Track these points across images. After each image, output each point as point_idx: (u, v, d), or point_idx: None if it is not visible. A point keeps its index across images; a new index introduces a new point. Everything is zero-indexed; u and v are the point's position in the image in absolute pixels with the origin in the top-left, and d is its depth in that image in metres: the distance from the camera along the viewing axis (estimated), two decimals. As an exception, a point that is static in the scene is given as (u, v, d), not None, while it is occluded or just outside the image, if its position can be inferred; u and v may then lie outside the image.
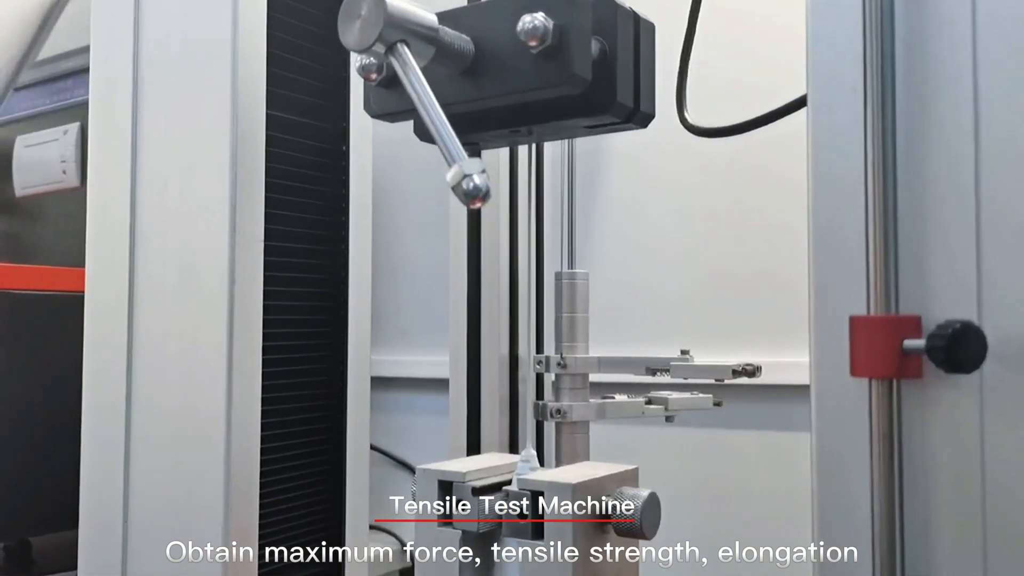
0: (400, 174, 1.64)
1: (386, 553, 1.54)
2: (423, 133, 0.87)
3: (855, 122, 0.59)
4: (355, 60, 0.79)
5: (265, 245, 0.96)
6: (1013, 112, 0.55)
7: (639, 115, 0.82)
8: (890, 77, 0.57)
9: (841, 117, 0.60)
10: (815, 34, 0.61)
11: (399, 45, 0.69)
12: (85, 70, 1.04)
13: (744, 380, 1.03)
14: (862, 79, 0.58)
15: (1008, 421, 0.54)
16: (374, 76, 0.78)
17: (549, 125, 0.83)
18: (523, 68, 0.73)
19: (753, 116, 0.96)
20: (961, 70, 0.56)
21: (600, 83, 0.76)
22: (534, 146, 1.24)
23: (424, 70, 0.70)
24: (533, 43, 0.71)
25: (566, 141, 1.14)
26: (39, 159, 1.60)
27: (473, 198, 0.66)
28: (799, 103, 0.89)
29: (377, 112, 0.83)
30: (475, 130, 0.83)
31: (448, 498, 0.80)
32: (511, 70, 0.73)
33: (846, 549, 0.59)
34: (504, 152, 1.21)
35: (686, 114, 1.00)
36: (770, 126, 1.25)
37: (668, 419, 1.11)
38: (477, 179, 0.65)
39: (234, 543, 0.90)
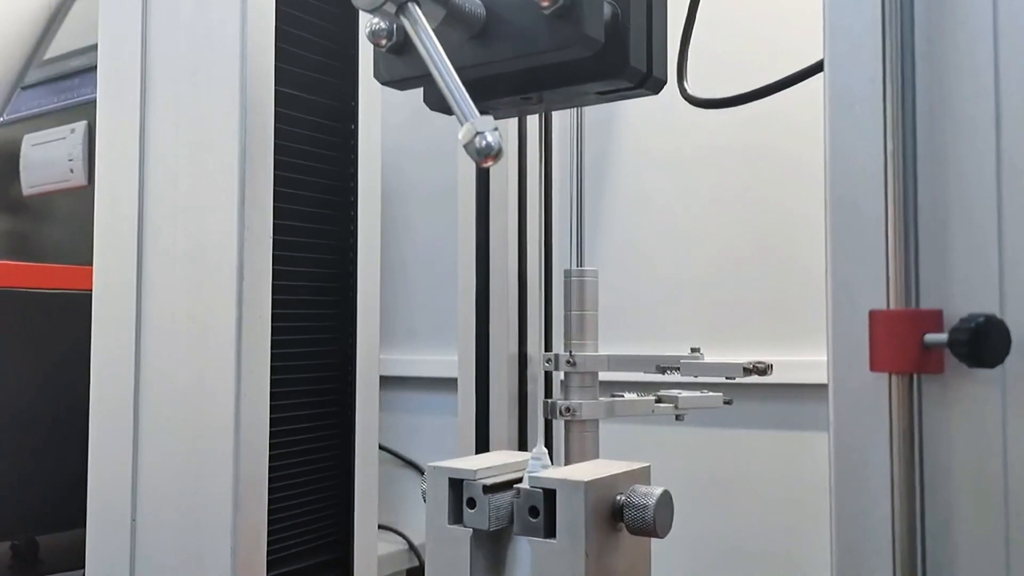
0: (410, 174, 1.63)
1: (394, 552, 1.53)
2: (433, 101, 0.86)
3: (874, 114, 0.58)
4: (364, 26, 0.79)
5: (274, 241, 0.95)
6: (1035, 103, 0.54)
7: (651, 80, 0.81)
8: (910, 68, 0.56)
9: (860, 109, 0.59)
10: (833, 25, 0.60)
11: (410, 4, 0.68)
12: (92, 68, 1.04)
13: (755, 379, 1.02)
14: (881, 70, 0.57)
15: (1031, 416, 0.53)
16: (383, 42, 0.78)
17: (560, 91, 0.82)
18: (535, 30, 0.72)
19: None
20: (981, 60, 0.55)
21: (612, 46, 0.76)
22: (543, 143, 1.23)
23: (435, 33, 0.69)
24: (545, 4, 0.70)
25: (576, 137, 1.13)
26: (46, 158, 1.60)
27: (485, 156, 0.65)
28: (798, 77, 0.89)
29: (387, 79, 0.82)
30: (486, 97, 0.82)
31: (459, 496, 0.79)
32: (523, 32, 0.73)
33: (865, 548, 0.58)
34: (513, 151, 1.20)
35: (686, 85, 0.99)
36: (787, 115, 1.25)
37: (678, 417, 1.10)
38: (489, 137, 0.65)
39: (242, 542, 0.89)
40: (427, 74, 0.70)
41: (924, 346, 0.53)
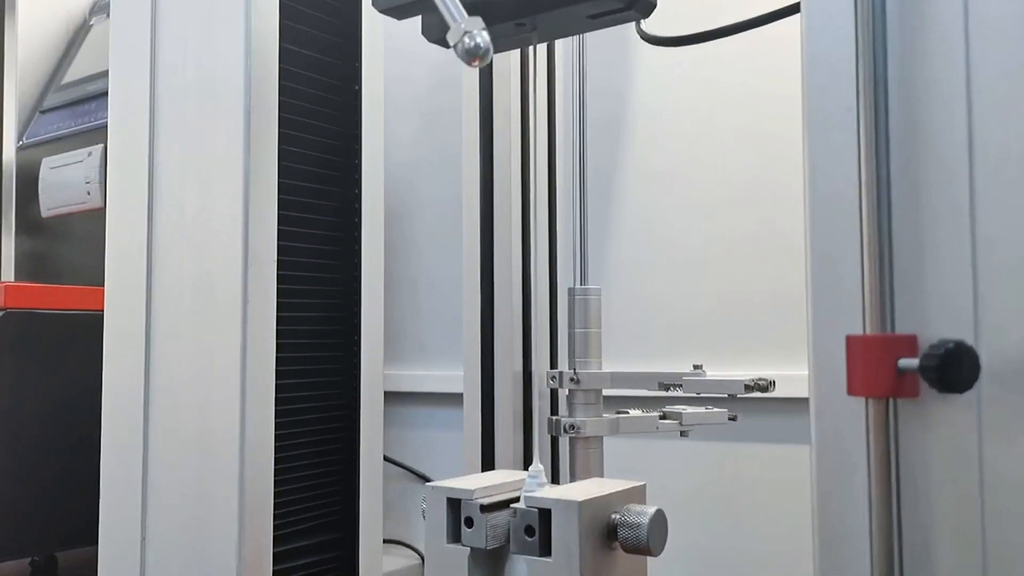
0: (421, 189, 1.65)
1: (406, 567, 1.55)
2: (430, 31, 0.88)
3: (850, 142, 0.59)
4: None
5: (278, 262, 0.98)
6: (1006, 132, 0.55)
7: (641, 2, 0.82)
8: (883, 98, 0.58)
9: (837, 137, 0.60)
10: (811, 56, 0.62)
11: None
12: (108, 94, 1.07)
13: (757, 394, 1.03)
14: (855, 99, 0.58)
15: (1005, 439, 0.54)
16: None
17: (553, 15, 0.83)
18: None
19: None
20: (955, 91, 0.57)
21: None
22: (548, 161, 1.24)
23: None
24: None
25: (579, 155, 1.15)
26: (64, 180, 1.63)
27: (474, 56, 0.67)
28: (765, 19, 0.89)
29: (384, 6, 0.84)
30: None
31: (457, 515, 0.81)
32: None
33: (846, 567, 0.59)
34: (517, 169, 1.22)
35: (642, 24, 1.00)
36: (788, 126, 1.25)
37: (683, 433, 1.11)
38: (478, 37, 0.66)
39: (248, 558, 0.91)
40: None
41: (898, 371, 0.54)
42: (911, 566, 0.56)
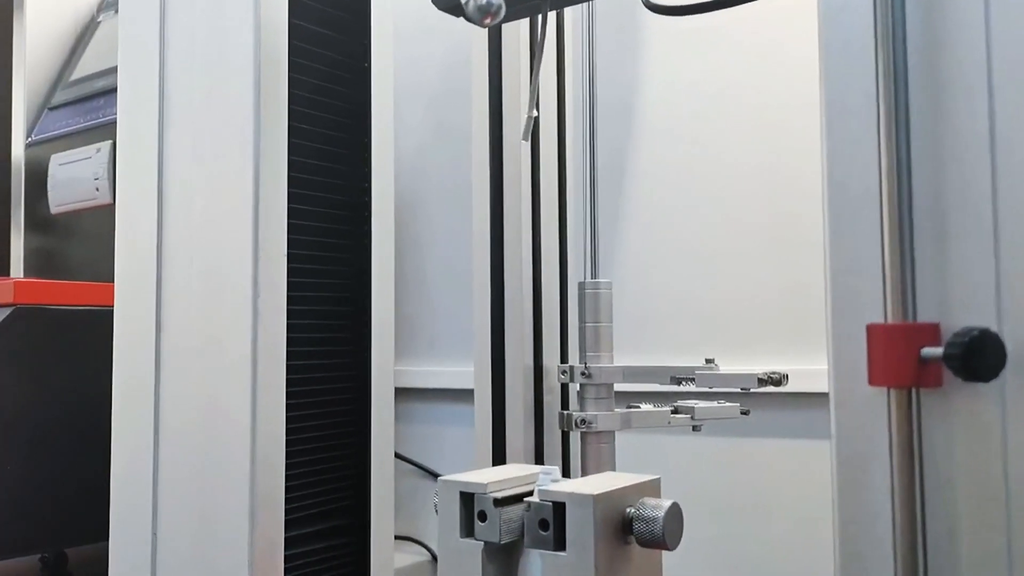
0: (431, 184, 1.65)
1: (417, 563, 1.54)
2: (442, 1, 0.87)
3: (870, 130, 0.58)
4: None
5: (288, 255, 0.97)
6: (1029, 116, 0.54)
7: None
8: (903, 84, 0.57)
9: (856, 125, 0.59)
10: (829, 43, 0.61)
11: None
12: (116, 90, 1.07)
13: (771, 388, 1.02)
14: (875, 86, 0.57)
15: (1031, 429, 0.53)
16: None
17: None
18: None
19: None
20: (975, 76, 0.56)
21: None
22: (555, 134, 1.23)
23: None
24: None
25: (588, 149, 1.14)
26: (73, 177, 1.63)
27: (485, 14, 0.67)
28: None
29: None
30: None
31: (470, 509, 0.80)
32: None
33: (868, 558, 0.58)
34: (527, 164, 1.21)
35: None
36: (802, 118, 1.25)
37: (695, 428, 1.10)
38: None
39: (259, 555, 0.91)
40: None
41: (921, 360, 0.54)
42: (935, 557, 0.55)
